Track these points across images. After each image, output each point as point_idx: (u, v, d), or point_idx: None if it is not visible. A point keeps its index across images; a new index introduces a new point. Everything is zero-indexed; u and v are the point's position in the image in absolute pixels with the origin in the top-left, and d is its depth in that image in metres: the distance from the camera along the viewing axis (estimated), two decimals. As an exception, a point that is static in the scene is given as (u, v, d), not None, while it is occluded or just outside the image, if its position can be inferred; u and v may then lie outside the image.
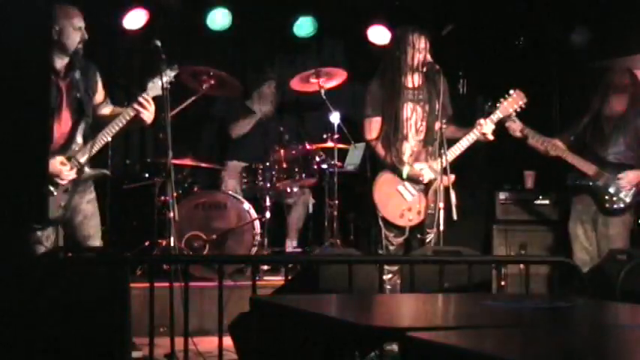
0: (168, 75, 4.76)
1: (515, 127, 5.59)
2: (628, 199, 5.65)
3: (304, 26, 7.67)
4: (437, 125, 5.33)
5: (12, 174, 2.96)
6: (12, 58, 2.95)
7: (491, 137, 5.39)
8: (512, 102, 5.46)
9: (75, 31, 4.60)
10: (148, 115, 4.72)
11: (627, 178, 5.63)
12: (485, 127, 5.35)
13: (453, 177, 5.25)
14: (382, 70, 5.53)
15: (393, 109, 5.41)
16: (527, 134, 5.65)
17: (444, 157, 5.17)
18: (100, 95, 4.84)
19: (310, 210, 7.13)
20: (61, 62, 4.63)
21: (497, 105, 5.46)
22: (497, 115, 5.42)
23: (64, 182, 4.59)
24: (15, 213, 3.00)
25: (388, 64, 5.48)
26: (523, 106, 5.48)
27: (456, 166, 5.40)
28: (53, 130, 4.56)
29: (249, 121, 7.15)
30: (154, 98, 4.74)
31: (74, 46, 4.62)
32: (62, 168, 4.58)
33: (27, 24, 2.95)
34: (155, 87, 4.72)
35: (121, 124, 4.71)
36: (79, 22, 4.63)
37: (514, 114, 5.51)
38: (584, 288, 4.14)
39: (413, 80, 5.46)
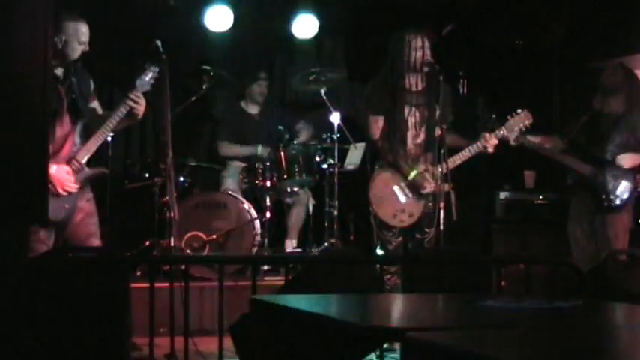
0: (153, 71, 4.83)
1: (511, 136, 5.63)
2: (625, 196, 5.65)
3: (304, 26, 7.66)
4: (437, 131, 5.35)
5: (12, 174, 2.96)
6: (13, 63, 2.95)
7: (491, 151, 5.47)
8: (519, 121, 5.55)
9: (79, 45, 4.71)
10: (141, 110, 4.81)
11: (624, 160, 5.64)
12: (490, 141, 5.43)
13: (452, 184, 5.26)
14: (383, 71, 5.54)
15: (392, 111, 5.42)
16: (522, 142, 5.67)
17: (444, 164, 5.18)
18: (92, 99, 4.93)
19: (310, 210, 7.14)
20: (60, 70, 4.70)
21: (504, 122, 5.55)
22: (503, 131, 5.49)
23: (64, 194, 4.62)
24: (15, 213, 3.00)
25: (388, 67, 5.50)
26: (528, 126, 5.57)
27: (456, 166, 5.42)
28: (55, 132, 4.63)
29: (239, 151, 7.10)
30: (145, 94, 4.82)
31: (75, 57, 4.73)
32: (68, 178, 4.65)
33: (28, 29, 2.96)
34: (143, 83, 4.83)
35: (115, 123, 4.78)
36: (85, 37, 4.74)
37: (518, 133, 5.57)
38: (584, 288, 4.13)
39: (411, 82, 5.46)
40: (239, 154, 7.08)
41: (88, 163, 4.78)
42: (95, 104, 4.93)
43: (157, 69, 4.87)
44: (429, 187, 5.36)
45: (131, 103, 4.76)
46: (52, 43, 4.17)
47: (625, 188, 5.67)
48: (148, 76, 4.81)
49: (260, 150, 6.99)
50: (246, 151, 7.04)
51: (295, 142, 6.89)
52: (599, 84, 5.80)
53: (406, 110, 5.44)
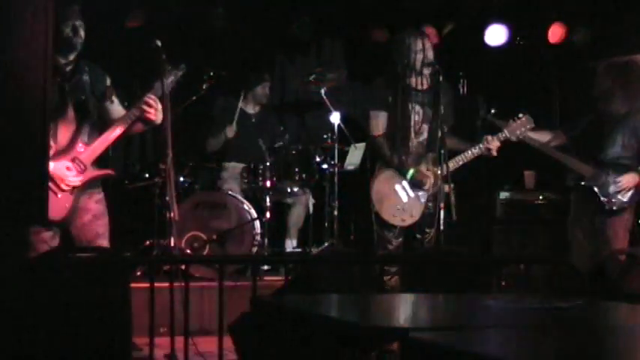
0: (176, 75, 4.77)
1: (512, 139, 5.65)
2: (625, 199, 5.66)
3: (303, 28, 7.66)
4: (439, 132, 5.35)
5: (12, 174, 2.96)
6: (13, 61, 2.95)
7: (494, 154, 5.47)
8: (520, 125, 5.57)
9: (81, 29, 4.63)
10: (156, 114, 4.71)
11: (623, 181, 5.65)
12: (492, 143, 5.43)
13: (452, 185, 5.27)
14: (387, 70, 5.55)
15: (397, 108, 5.42)
16: (524, 138, 5.69)
17: (444, 165, 5.18)
18: (109, 98, 4.83)
19: (310, 210, 7.14)
20: (68, 63, 4.65)
21: (505, 125, 5.56)
22: (505, 135, 5.51)
23: (67, 189, 4.60)
24: (15, 213, 3.00)
25: (390, 68, 5.51)
26: (529, 130, 5.57)
27: (457, 168, 5.43)
28: (57, 130, 4.58)
29: (219, 141, 7.11)
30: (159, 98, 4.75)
31: (82, 43, 4.64)
32: (68, 173, 4.60)
33: (28, 24, 2.96)
34: (162, 86, 4.72)
35: (125, 125, 4.71)
36: (73, 18, 4.66)
37: (520, 136, 5.59)
38: (584, 288, 4.14)
39: (417, 82, 5.47)
40: (214, 143, 7.06)
41: (94, 164, 4.75)
42: (113, 104, 4.83)
43: (179, 73, 4.80)
44: (428, 182, 5.36)
45: (146, 107, 4.69)
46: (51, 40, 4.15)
47: (626, 191, 5.67)
48: (169, 80, 4.70)
49: (228, 130, 6.99)
50: (218, 138, 7.03)
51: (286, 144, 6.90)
52: (595, 87, 5.82)
53: (410, 108, 5.44)
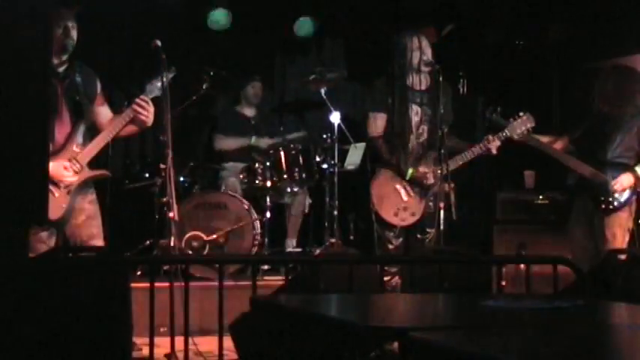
0: (167, 77, 4.77)
1: (514, 137, 5.66)
2: (623, 199, 5.66)
3: (304, 27, 7.67)
4: (439, 132, 5.36)
5: (12, 174, 2.96)
6: (12, 58, 2.95)
7: (495, 153, 5.48)
8: (522, 124, 5.57)
9: (74, 31, 4.63)
10: (148, 116, 4.73)
11: (620, 181, 5.65)
12: (492, 143, 5.43)
13: (452, 185, 5.27)
14: (386, 71, 5.55)
15: (396, 109, 5.42)
16: (526, 139, 5.68)
17: (444, 164, 5.18)
18: (99, 101, 4.86)
19: (306, 210, 7.14)
20: (61, 64, 4.66)
21: (507, 125, 5.55)
22: (505, 134, 5.51)
23: (63, 187, 4.60)
24: (15, 213, 3.00)
25: (390, 68, 5.51)
26: (530, 129, 5.58)
27: (457, 167, 5.43)
28: (54, 131, 4.59)
29: (238, 144, 7.11)
30: (154, 99, 4.75)
31: (73, 44, 4.63)
32: (64, 172, 4.61)
33: (27, 24, 2.96)
34: (153, 88, 4.73)
35: (120, 126, 4.73)
36: (65, 21, 4.66)
37: (521, 135, 5.59)
38: (584, 288, 4.13)
39: (415, 81, 5.47)
40: (233, 146, 7.07)
41: (89, 165, 4.76)
42: (102, 107, 4.88)
43: (170, 75, 4.81)
44: (430, 179, 5.36)
45: (137, 109, 4.69)
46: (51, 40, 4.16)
47: (623, 191, 5.67)
48: (162, 82, 4.71)
49: (254, 140, 6.99)
50: (240, 142, 7.03)
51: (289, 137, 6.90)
52: (597, 88, 5.82)
53: (409, 109, 5.44)
